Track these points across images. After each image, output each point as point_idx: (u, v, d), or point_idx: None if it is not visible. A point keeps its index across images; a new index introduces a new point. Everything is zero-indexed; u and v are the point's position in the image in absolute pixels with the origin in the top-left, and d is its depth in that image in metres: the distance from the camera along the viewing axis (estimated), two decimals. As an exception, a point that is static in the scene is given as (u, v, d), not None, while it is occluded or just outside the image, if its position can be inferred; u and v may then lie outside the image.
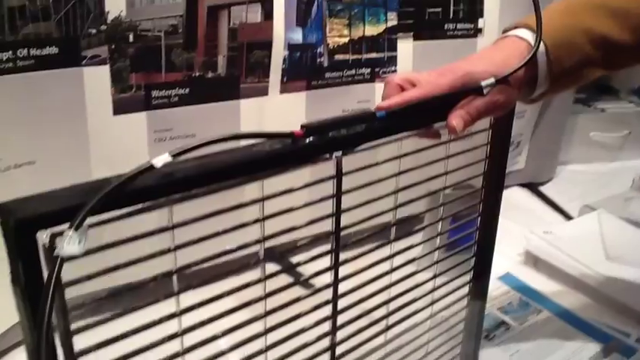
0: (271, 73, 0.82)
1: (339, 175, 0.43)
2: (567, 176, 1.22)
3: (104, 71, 0.69)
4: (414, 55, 0.94)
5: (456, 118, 0.44)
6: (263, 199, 0.40)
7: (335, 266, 0.47)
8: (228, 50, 0.78)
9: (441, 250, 0.58)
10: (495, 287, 0.86)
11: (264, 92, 0.83)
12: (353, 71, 0.90)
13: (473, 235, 0.60)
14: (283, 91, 0.84)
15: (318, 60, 0.86)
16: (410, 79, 0.47)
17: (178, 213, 0.37)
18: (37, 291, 0.31)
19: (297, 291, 0.46)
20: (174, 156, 0.34)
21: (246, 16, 0.77)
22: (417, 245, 0.58)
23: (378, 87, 0.93)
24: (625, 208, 1.00)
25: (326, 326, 0.50)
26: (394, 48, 0.92)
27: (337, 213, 0.44)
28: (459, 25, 0.95)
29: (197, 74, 0.76)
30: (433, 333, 0.62)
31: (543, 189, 1.17)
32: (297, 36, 0.83)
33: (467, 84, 0.45)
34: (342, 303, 0.49)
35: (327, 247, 0.46)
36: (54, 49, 0.65)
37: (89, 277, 0.33)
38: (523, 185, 1.18)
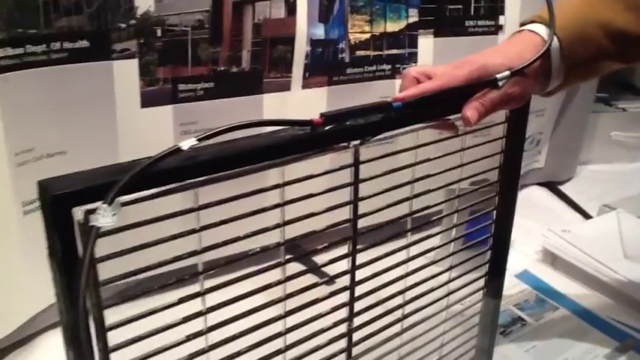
0: (294, 68, 0.84)
1: (356, 163, 0.44)
2: (587, 176, 1.21)
3: (133, 65, 0.71)
4: (434, 51, 0.95)
5: (470, 110, 0.45)
6: (284, 185, 0.41)
7: (352, 254, 0.48)
8: (252, 45, 0.79)
9: (457, 243, 0.59)
10: (512, 284, 0.87)
11: (286, 87, 0.84)
12: (374, 67, 0.91)
13: (489, 228, 0.61)
14: (305, 86, 0.86)
15: (340, 56, 0.88)
16: (426, 72, 0.48)
17: (201, 198, 0.39)
18: (72, 264, 0.33)
19: (315, 278, 0.48)
20: (200, 139, 0.36)
21: (270, 12, 0.79)
22: (433, 236, 0.59)
23: (399, 83, 0.94)
24: (645, 208, 1.00)
25: (343, 312, 0.51)
26: (415, 44, 0.93)
27: (355, 201, 0.46)
28: (480, 22, 0.96)
29: (222, 68, 0.78)
30: (448, 325, 0.63)
31: (563, 188, 1.17)
32: (320, 32, 0.85)
33: (482, 76, 0.46)
34: (358, 290, 0.51)
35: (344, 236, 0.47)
36: (85, 43, 0.67)
37: (121, 254, 0.35)
38: (542, 184, 1.18)
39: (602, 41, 0.50)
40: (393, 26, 0.91)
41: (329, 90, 0.88)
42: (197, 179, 0.37)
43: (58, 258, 0.33)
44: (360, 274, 0.50)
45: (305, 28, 0.82)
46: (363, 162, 0.44)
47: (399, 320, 0.57)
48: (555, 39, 0.48)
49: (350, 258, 0.48)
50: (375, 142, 0.44)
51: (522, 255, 0.93)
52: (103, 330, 0.37)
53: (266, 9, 0.79)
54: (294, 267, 0.46)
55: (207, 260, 0.41)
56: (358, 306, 0.51)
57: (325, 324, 0.49)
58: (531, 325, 0.79)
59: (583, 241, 0.89)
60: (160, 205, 0.37)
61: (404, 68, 0.94)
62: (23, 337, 0.73)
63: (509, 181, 0.57)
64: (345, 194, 0.46)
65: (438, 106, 0.46)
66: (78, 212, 0.33)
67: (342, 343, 0.52)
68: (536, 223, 0.98)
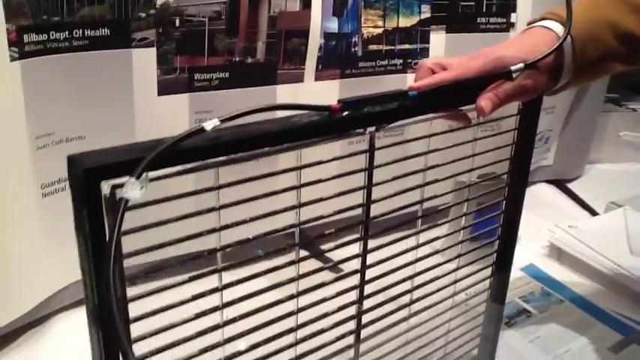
0: (307, 60, 0.85)
1: (371, 149, 0.46)
2: (595, 175, 1.22)
3: (151, 53, 0.73)
4: (446, 47, 0.96)
5: (484, 100, 0.47)
6: (300, 168, 0.43)
7: (364, 238, 0.50)
8: (268, 37, 0.81)
9: (465, 232, 0.61)
10: (518, 277, 0.88)
11: (299, 79, 0.86)
12: (386, 62, 0.93)
13: (497, 219, 0.62)
14: (318, 78, 0.87)
15: (353, 49, 0.89)
16: (441, 63, 0.50)
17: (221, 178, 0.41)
18: (99, 237, 0.35)
19: (327, 260, 0.49)
20: (223, 121, 0.37)
21: (286, 5, 0.81)
22: (442, 224, 0.60)
23: (410, 78, 0.95)
24: (651, 208, 1.01)
25: (353, 295, 0.53)
26: (427, 40, 0.95)
27: (368, 186, 0.47)
28: (492, 19, 0.97)
29: (237, 59, 0.80)
30: (455, 312, 0.65)
31: (570, 186, 1.18)
32: (333, 25, 0.86)
33: (497, 68, 0.48)
34: (369, 274, 0.52)
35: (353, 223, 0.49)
36: (106, 31, 0.69)
37: (143, 228, 0.37)
38: (550, 182, 1.19)
39: (611, 42, 0.51)
40: (405, 21, 0.92)
41: (341, 83, 0.90)
42: (219, 159, 0.38)
43: (86, 231, 0.35)
44: (370, 259, 0.52)
45: (319, 22, 0.84)
46: (379, 148, 0.45)
47: (406, 305, 0.58)
48: (568, 36, 0.49)
49: (361, 242, 0.50)
50: (389, 130, 0.46)
51: (529, 249, 0.94)
52: (125, 302, 0.39)
53: (282, 2, 0.80)
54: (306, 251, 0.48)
55: (224, 241, 0.42)
56: (368, 289, 0.53)
57: (336, 305, 0.51)
58: (536, 316, 0.80)
59: (589, 236, 0.91)
60: (172, 186, 0.38)
61: (415, 63, 0.95)
62: (38, 318, 0.75)
63: (519, 173, 0.58)
64: (354, 180, 0.47)
65: (452, 97, 0.48)
66: (105, 186, 0.35)
67: (351, 325, 0.54)
68: (544, 220, 0.99)
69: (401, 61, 0.94)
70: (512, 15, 0.98)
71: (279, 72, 0.84)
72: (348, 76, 0.90)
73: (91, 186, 0.34)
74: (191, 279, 0.41)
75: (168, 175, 0.36)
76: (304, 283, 0.48)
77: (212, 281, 0.43)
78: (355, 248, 0.51)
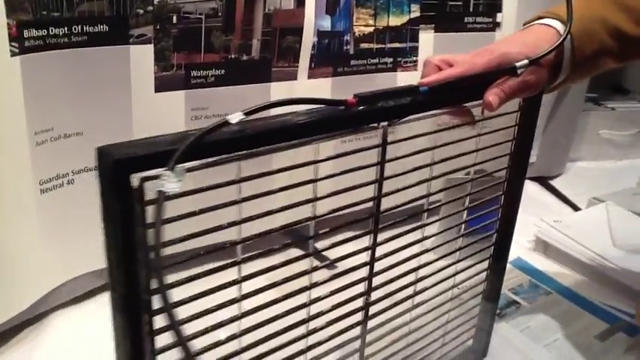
0: (301, 58, 0.86)
1: (384, 144, 0.47)
2: (576, 172, 1.26)
3: (149, 50, 0.73)
4: (434, 46, 0.98)
5: (492, 95, 0.48)
6: (318, 162, 0.44)
7: (374, 231, 0.51)
8: (262, 35, 0.82)
9: (466, 226, 0.62)
10: (507, 271, 0.90)
11: (293, 77, 0.87)
12: (377, 60, 0.94)
13: (496, 213, 0.64)
14: (311, 76, 0.88)
15: (345, 48, 0.90)
16: (447, 60, 0.51)
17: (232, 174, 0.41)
18: (129, 229, 0.35)
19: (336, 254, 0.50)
20: (247, 113, 0.38)
21: (281, 3, 0.81)
22: (442, 218, 0.62)
23: (400, 76, 0.97)
24: (632, 203, 1.04)
25: (361, 287, 0.54)
26: (416, 39, 0.96)
27: (380, 180, 0.49)
28: (478, 19, 0.99)
29: (233, 56, 0.80)
30: (453, 304, 0.66)
31: (553, 183, 1.22)
32: (326, 23, 0.87)
33: (502, 64, 0.49)
34: (377, 267, 0.54)
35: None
36: (104, 27, 0.69)
37: (173, 220, 0.37)
38: (534, 179, 1.22)
39: (604, 38, 0.54)
40: (395, 20, 0.94)
41: (333, 81, 0.91)
42: (240, 152, 0.39)
43: (116, 223, 0.35)
44: (380, 251, 0.53)
45: (313, 20, 0.85)
46: (391, 143, 0.47)
47: (410, 297, 0.60)
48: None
49: (371, 235, 0.51)
50: (397, 125, 0.47)
51: (516, 244, 0.95)
52: (149, 293, 0.39)
53: (276, 0, 0.81)
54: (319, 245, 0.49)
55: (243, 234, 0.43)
56: (376, 281, 0.54)
57: (345, 297, 0.52)
58: (525, 307, 0.83)
59: (574, 230, 0.94)
60: (190, 180, 0.39)
61: (405, 62, 0.97)
62: (35, 315, 0.74)
63: (518, 169, 0.60)
64: (360, 176, 0.48)
65: (460, 92, 0.49)
66: (134, 179, 0.35)
67: (359, 317, 0.55)
68: (529, 215, 1.01)
69: (391, 59, 0.95)
70: (498, 15, 1.00)
71: (273, 70, 0.84)
72: (340, 74, 0.91)
73: (122, 178, 0.34)
74: (212, 271, 0.42)
75: (203, 166, 0.37)
76: (316, 276, 0.49)
77: (231, 273, 0.44)
78: (357, 244, 0.51)
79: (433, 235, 0.59)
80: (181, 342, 0.30)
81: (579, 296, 0.85)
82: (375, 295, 0.56)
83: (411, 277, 0.58)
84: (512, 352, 0.74)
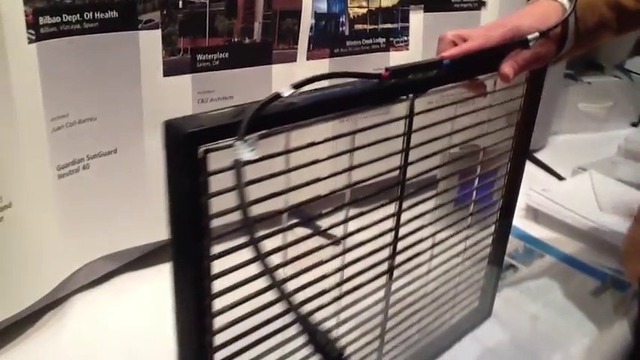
0: (299, 40, 0.88)
1: (411, 115, 0.50)
2: (558, 144, 1.33)
3: (157, 35, 0.74)
4: (424, 25, 1.01)
5: (507, 67, 0.52)
6: (355, 132, 0.47)
7: (400, 198, 0.54)
8: (263, 18, 0.84)
9: (476, 192, 0.66)
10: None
11: (293, 58, 0.89)
12: (370, 40, 0.97)
13: (501, 181, 0.69)
14: (309, 58, 0.91)
15: (340, 29, 0.93)
16: (461, 35, 0.54)
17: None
18: (196, 199, 0.38)
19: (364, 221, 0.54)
20: (296, 87, 0.41)
21: (280, -15, 0.84)
22: (454, 187, 0.66)
23: (392, 56, 1.00)
24: (612, 170, 1.11)
25: (386, 252, 0.57)
26: (407, 19, 1.00)
27: (407, 149, 0.52)
28: (465, -1, 1.03)
29: (236, 40, 0.82)
30: (464, 267, 0.70)
31: (537, 155, 1.27)
32: (323, 5, 0.90)
33: (515, 37, 0.53)
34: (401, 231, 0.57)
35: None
36: (114, 14, 0.70)
37: (232, 189, 0.39)
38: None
39: (604, 10, 0.58)
40: (387, 1, 0.97)
41: (330, 61, 0.93)
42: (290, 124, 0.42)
43: (184, 194, 0.38)
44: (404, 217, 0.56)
45: (310, 2, 0.87)
46: (417, 113, 0.50)
47: (427, 261, 0.63)
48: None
49: (397, 202, 0.55)
50: (425, 96, 0.50)
51: (507, 212, 1.02)
52: (209, 259, 0.42)
53: (276, -18, 0.83)
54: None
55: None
56: (400, 245, 0.58)
57: (373, 261, 0.56)
58: (522, 270, 0.88)
59: (561, 197, 0.99)
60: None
61: (397, 42, 1.00)
62: (57, 299, 0.75)
63: (524, 137, 0.64)
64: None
65: (478, 65, 0.53)
66: (200, 150, 0.38)
67: (383, 280, 0.59)
68: (517, 185, 1.07)
69: (384, 39, 0.98)
70: (484, -6, 1.05)
71: (274, 52, 0.87)
72: (336, 55, 0.94)
73: (192, 149, 0.36)
74: (262, 238, 0.45)
75: (268, 135, 0.39)
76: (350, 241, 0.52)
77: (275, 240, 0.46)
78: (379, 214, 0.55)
79: (446, 203, 0.62)
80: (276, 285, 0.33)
81: (571, 257, 0.90)
82: (397, 261, 0.59)
83: (428, 243, 0.62)
84: (514, 310, 0.79)
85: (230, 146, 0.36)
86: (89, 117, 0.72)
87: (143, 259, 0.86)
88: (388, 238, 0.57)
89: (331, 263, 0.52)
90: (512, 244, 0.94)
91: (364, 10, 0.95)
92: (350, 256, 0.53)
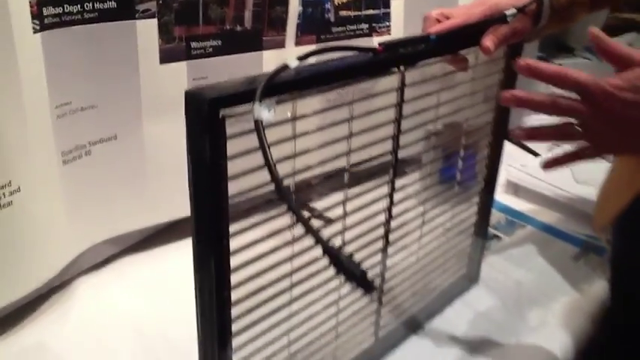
0: (288, 27, 0.92)
1: (402, 86, 0.54)
2: (532, 124, 1.38)
3: (153, 24, 0.77)
4: (404, 11, 1.06)
5: (488, 41, 0.56)
6: (352, 102, 0.51)
7: (394, 165, 0.59)
8: (254, 6, 0.87)
9: (462, 165, 0.71)
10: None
11: (282, 45, 0.93)
12: (354, 26, 1.01)
13: (485, 153, 0.73)
14: (297, 43, 0.95)
15: (326, 16, 0.97)
16: (445, 13, 0.59)
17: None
18: (218, 161, 0.41)
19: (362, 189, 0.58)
20: (300, 59, 0.45)
21: (269, -26, 0.87)
22: (439, 159, 0.70)
23: (376, 40, 1.04)
24: (584, 145, 1.16)
25: (382, 217, 0.62)
26: (388, 5, 1.04)
27: (399, 119, 0.56)
28: (444, -16, 1.08)
29: (228, 27, 0.85)
30: (452, 235, 0.75)
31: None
32: (310, -7, 0.94)
33: (494, 14, 0.58)
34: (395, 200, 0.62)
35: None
36: (113, 4, 0.73)
37: (248, 152, 0.43)
38: (494, 132, 1.33)
39: None
40: (369, -12, 1.01)
41: (317, 47, 0.97)
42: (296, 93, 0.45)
43: (205, 157, 0.41)
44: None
45: (298, -11, 0.91)
46: (409, 85, 0.54)
47: (419, 227, 0.68)
48: None
49: (391, 169, 0.59)
50: (415, 69, 0.55)
51: (488, 188, 1.07)
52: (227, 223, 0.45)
53: (265, -29, 0.86)
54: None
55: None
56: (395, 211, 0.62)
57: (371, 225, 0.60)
58: (505, 240, 0.93)
59: (539, 171, 1.04)
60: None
61: (380, 27, 1.05)
62: (62, 282, 0.78)
63: (504, 112, 0.69)
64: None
65: (461, 39, 0.57)
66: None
67: (379, 245, 0.63)
68: (496, 162, 1.12)
69: (367, 25, 1.03)
70: (461, -20, 1.09)
71: (264, 39, 0.90)
72: (323, 41, 0.97)
73: (214, 114, 0.40)
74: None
75: (285, 100, 0.43)
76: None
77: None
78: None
79: (433, 182, 0.67)
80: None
81: (550, 227, 0.96)
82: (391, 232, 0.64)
83: (419, 215, 0.67)
84: (499, 276, 0.84)
85: (246, 112, 0.40)
86: (90, 105, 0.75)
87: (143, 242, 0.89)
88: (384, 203, 0.61)
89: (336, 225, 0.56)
90: (495, 216, 0.99)
91: (348, -3, 0.99)
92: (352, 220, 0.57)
